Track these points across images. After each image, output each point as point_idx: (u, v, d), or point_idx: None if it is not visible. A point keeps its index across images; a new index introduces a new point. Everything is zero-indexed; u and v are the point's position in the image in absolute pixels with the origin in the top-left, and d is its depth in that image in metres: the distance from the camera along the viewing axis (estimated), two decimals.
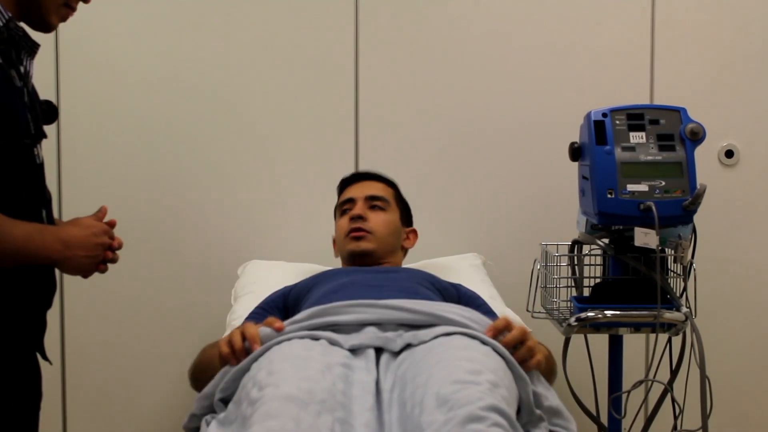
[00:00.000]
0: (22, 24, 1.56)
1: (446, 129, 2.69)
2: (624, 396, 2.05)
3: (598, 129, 1.97)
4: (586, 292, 2.07)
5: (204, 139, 2.65)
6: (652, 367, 1.99)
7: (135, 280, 2.62)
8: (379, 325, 1.72)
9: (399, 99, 2.68)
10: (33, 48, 1.58)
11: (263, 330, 1.72)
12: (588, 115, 2.00)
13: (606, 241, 2.05)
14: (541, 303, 2.15)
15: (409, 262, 2.45)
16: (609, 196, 1.93)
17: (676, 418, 2.07)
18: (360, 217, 2.28)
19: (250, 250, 2.64)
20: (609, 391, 2.09)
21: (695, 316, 1.97)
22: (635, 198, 1.92)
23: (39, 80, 1.64)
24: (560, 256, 2.09)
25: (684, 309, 1.96)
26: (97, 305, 2.64)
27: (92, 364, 2.66)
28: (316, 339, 1.68)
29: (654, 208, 1.88)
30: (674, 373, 2.09)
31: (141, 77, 2.62)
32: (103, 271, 1.62)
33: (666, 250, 2.00)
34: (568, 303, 2.10)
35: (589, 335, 2.15)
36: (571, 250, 2.14)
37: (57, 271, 1.63)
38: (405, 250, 2.42)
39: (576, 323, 1.98)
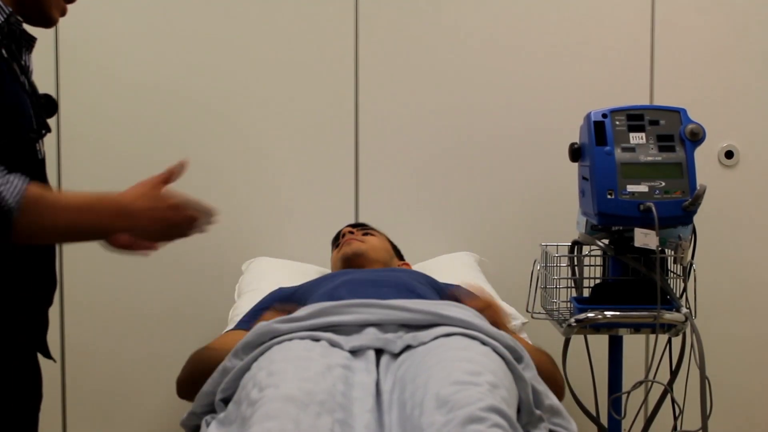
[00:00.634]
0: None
1: (446, 129, 2.69)
2: (624, 396, 2.05)
3: (598, 130, 1.97)
4: (586, 293, 2.07)
5: (206, 139, 2.65)
6: (652, 367, 1.98)
7: (135, 279, 2.62)
8: (380, 326, 1.73)
9: (399, 99, 2.68)
10: (30, 42, 1.57)
11: (264, 325, 1.72)
12: (588, 116, 2.00)
13: (606, 241, 2.05)
14: (541, 304, 2.15)
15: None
16: (609, 196, 1.93)
17: (676, 418, 2.07)
18: (352, 233, 2.39)
19: (253, 248, 2.64)
20: (609, 392, 2.09)
21: (695, 316, 1.97)
22: (635, 199, 1.92)
23: (39, 80, 1.63)
24: (560, 256, 2.09)
25: (684, 309, 1.96)
26: (98, 304, 2.65)
27: (92, 364, 2.66)
28: (317, 340, 1.68)
29: (654, 208, 1.88)
30: (674, 373, 2.08)
31: (141, 77, 2.63)
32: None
33: (666, 250, 2.00)
34: (568, 304, 2.10)
35: (589, 336, 2.15)
36: (571, 250, 2.14)
37: (57, 269, 1.62)
38: None
39: (576, 324, 1.98)
